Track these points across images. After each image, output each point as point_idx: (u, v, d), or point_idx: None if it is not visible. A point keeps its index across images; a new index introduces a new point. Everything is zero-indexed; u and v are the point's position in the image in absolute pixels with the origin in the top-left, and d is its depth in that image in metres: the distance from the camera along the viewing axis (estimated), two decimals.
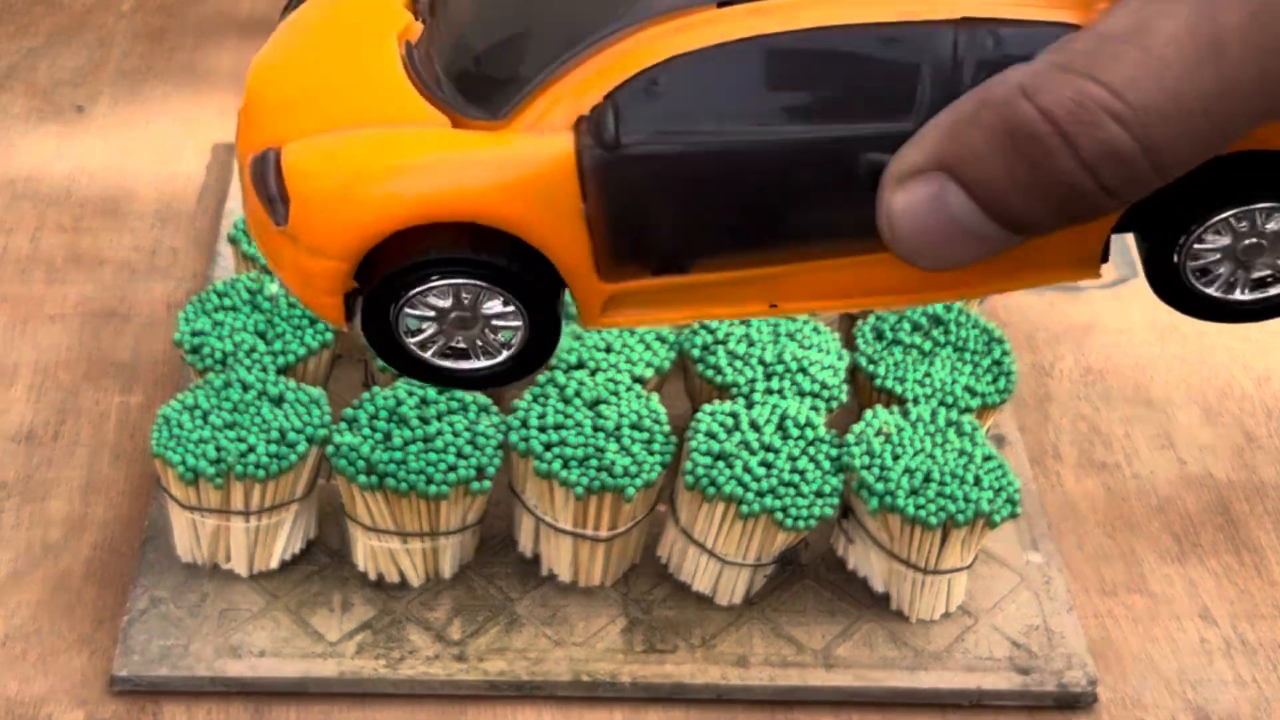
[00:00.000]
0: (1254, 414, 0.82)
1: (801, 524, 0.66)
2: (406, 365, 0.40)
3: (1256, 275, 0.37)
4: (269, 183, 0.37)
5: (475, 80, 0.37)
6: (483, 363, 0.39)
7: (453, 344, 0.39)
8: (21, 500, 0.74)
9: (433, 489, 0.66)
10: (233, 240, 0.78)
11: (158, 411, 0.68)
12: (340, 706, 0.66)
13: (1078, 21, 0.33)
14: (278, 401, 0.68)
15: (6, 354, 0.82)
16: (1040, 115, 0.29)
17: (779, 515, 0.65)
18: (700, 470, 0.66)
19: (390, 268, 0.37)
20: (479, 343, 0.38)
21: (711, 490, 0.66)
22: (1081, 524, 0.76)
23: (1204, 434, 0.81)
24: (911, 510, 0.66)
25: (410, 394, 0.68)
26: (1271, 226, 0.36)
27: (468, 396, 0.69)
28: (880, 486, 0.66)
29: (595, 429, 0.68)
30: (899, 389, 0.72)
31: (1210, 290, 0.37)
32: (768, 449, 0.67)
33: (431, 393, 0.68)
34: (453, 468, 0.66)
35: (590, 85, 0.35)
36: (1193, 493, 0.78)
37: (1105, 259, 0.37)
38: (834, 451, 0.68)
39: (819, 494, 0.66)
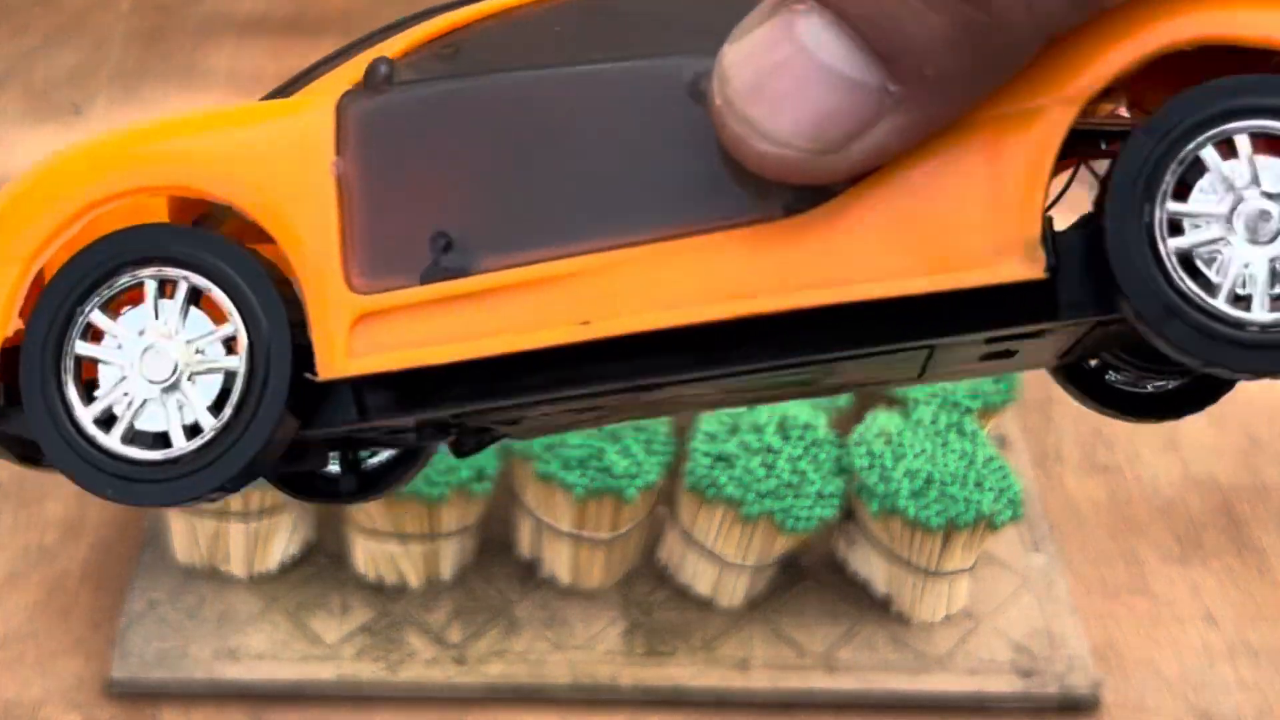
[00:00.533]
0: (1258, 417, 0.82)
1: (802, 526, 0.66)
2: (67, 462, 0.27)
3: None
4: None
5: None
6: (185, 448, 0.27)
7: (143, 419, 0.27)
8: (18, 503, 0.74)
9: (433, 491, 0.65)
10: None
11: None
12: (338, 710, 0.66)
13: None
14: None
15: None
16: None
17: (779, 517, 0.65)
18: (701, 471, 0.66)
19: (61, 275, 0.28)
20: (184, 410, 0.27)
21: (712, 491, 0.66)
22: (1084, 526, 0.76)
23: (1208, 436, 0.81)
24: (913, 512, 0.65)
25: None
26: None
27: None
28: (882, 489, 0.66)
29: (595, 430, 0.67)
30: (901, 391, 0.72)
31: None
32: (768, 450, 0.67)
33: None
34: (452, 469, 0.66)
35: (358, 68, 0.29)
36: (1196, 495, 0.78)
37: (1052, 254, 0.26)
38: (835, 453, 0.67)
39: (820, 496, 0.66)
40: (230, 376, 0.26)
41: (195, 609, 0.68)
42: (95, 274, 0.27)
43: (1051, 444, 0.80)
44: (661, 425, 0.68)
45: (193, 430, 0.26)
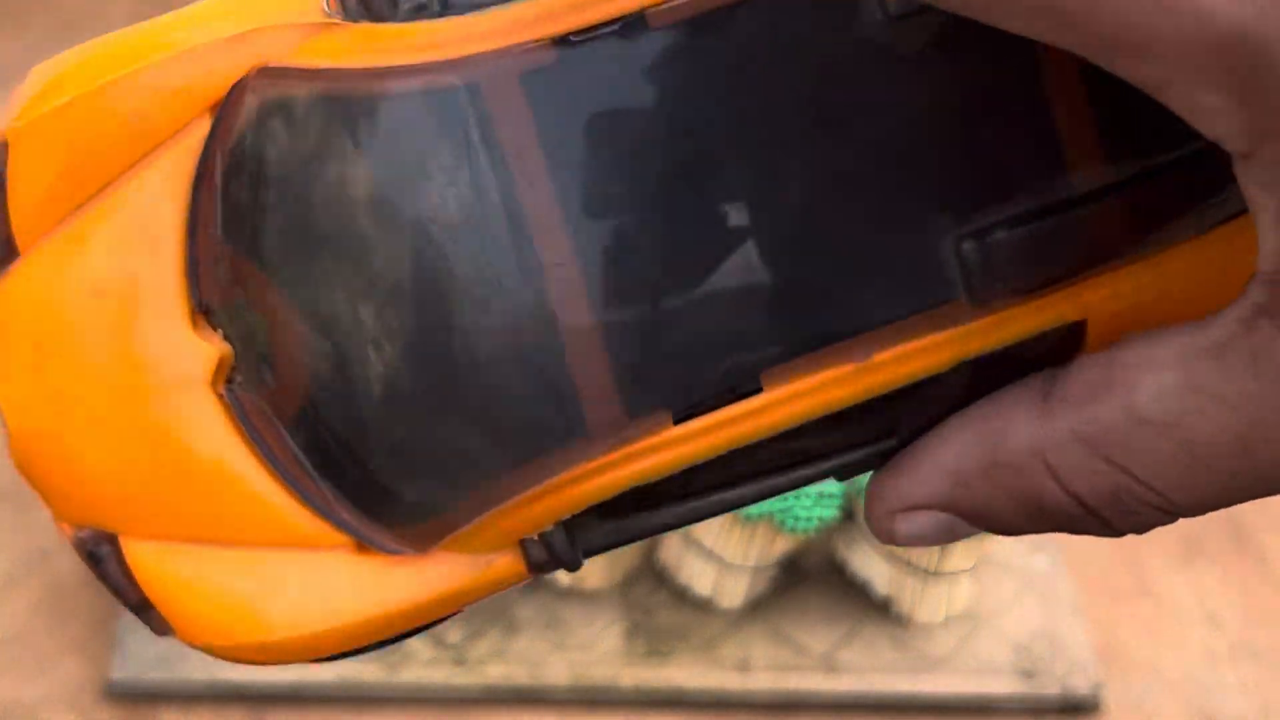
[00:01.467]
0: None
1: (802, 527, 0.66)
2: None
3: None
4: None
5: None
6: None
7: None
8: (17, 506, 0.74)
9: None
10: None
11: None
12: (338, 711, 0.66)
13: None
14: None
15: None
16: (1072, 499, 0.27)
17: (780, 518, 0.65)
18: None
19: None
20: None
21: None
22: None
23: None
24: None
25: None
26: None
27: None
28: None
29: None
30: None
31: None
32: None
33: None
34: None
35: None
36: None
37: None
38: None
39: (820, 496, 0.66)
40: None
41: None
42: None
43: None
44: None
45: None
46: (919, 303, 0.25)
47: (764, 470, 0.27)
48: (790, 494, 0.66)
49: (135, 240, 0.26)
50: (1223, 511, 0.77)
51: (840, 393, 0.25)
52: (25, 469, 0.27)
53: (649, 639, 0.68)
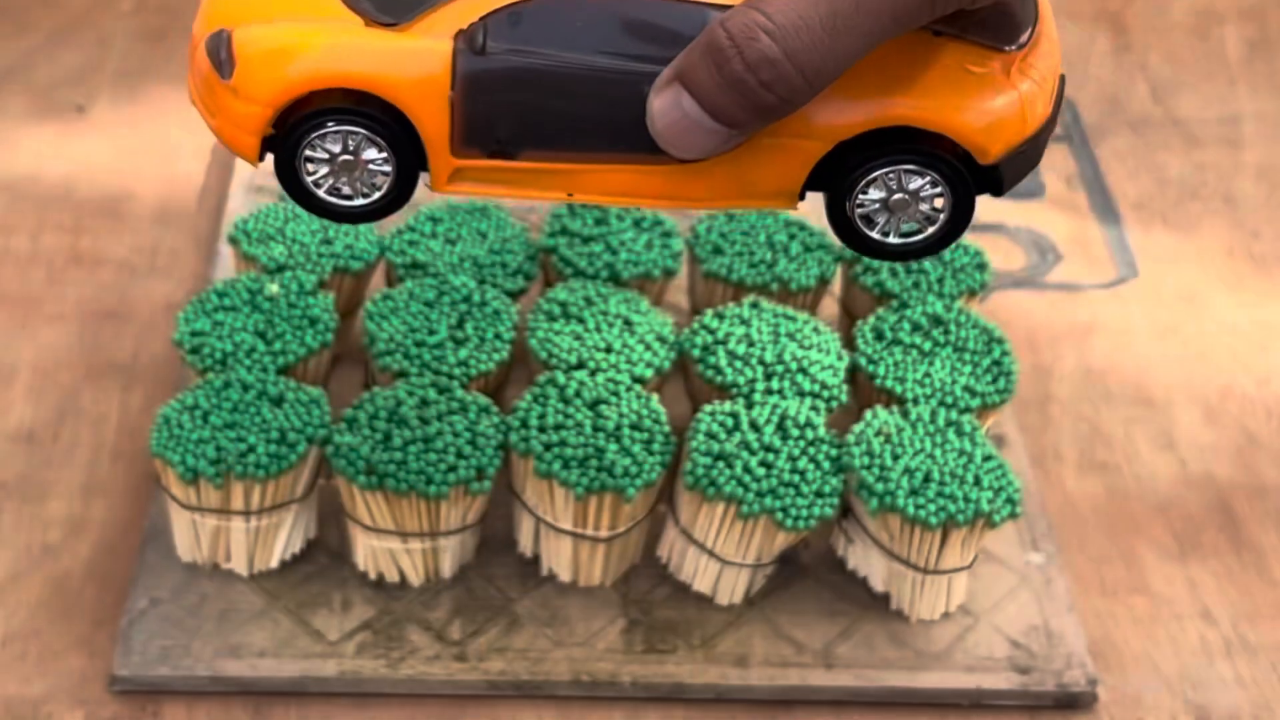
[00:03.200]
0: (1255, 414, 0.82)
1: (801, 524, 0.66)
2: (304, 199, 0.52)
3: (904, 223, 0.51)
4: (220, 50, 0.51)
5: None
6: (360, 202, 0.52)
7: (339, 185, 0.52)
8: (21, 501, 0.74)
9: (432, 489, 0.66)
10: (233, 241, 0.78)
11: (158, 412, 0.68)
12: (340, 706, 0.66)
13: None
14: (277, 402, 0.69)
15: (6, 354, 0.82)
16: (724, 34, 0.45)
17: (779, 515, 0.66)
18: (700, 470, 0.66)
19: (301, 114, 0.51)
20: (359, 185, 0.52)
21: (711, 491, 0.66)
22: (1082, 524, 0.76)
23: (1205, 434, 0.81)
24: (911, 510, 0.66)
25: (410, 394, 0.68)
26: (912, 185, 0.50)
27: (468, 397, 0.69)
28: (880, 487, 0.66)
29: (595, 429, 0.68)
30: (899, 389, 0.72)
31: (873, 234, 0.52)
32: (768, 449, 0.67)
33: (431, 393, 0.69)
34: (452, 468, 0.66)
35: (471, 10, 0.50)
36: (1194, 493, 0.78)
37: (803, 198, 0.52)
38: (834, 452, 0.68)
39: (819, 494, 0.66)
40: (385, 178, 0.52)
41: (197, 607, 0.68)
42: (323, 119, 0.51)
43: (1049, 442, 0.80)
44: (661, 426, 0.68)
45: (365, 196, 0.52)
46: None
47: None
48: (789, 492, 0.66)
49: None
50: (1218, 508, 0.77)
51: None
52: (210, 12, 0.54)
53: (648, 635, 0.68)
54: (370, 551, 0.69)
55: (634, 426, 0.68)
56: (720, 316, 0.73)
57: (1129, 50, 1.09)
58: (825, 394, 0.71)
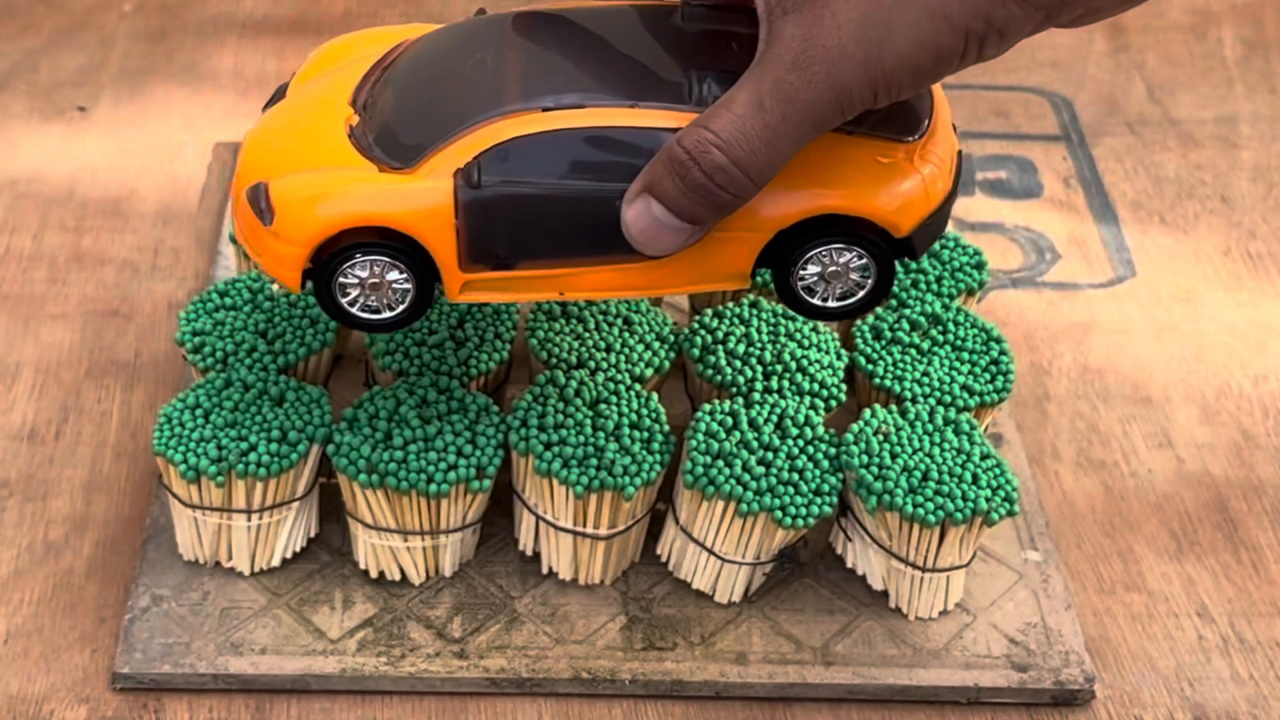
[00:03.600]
0: (1252, 413, 0.83)
1: (800, 522, 0.66)
2: (340, 316, 0.61)
3: (840, 290, 0.61)
4: (260, 200, 0.59)
5: (395, 146, 0.60)
6: (387, 315, 0.61)
7: (369, 303, 0.61)
8: (23, 499, 0.75)
9: (433, 488, 0.66)
10: (234, 240, 0.78)
11: (159, 410, 0.68)
12: (341, 703, 0.67)
13: None
14: (279, 401, 0.69)
15: (9, 353, 0.82)
16: (682, 150, 0.55)
17: (778, 514, 0.66)
18: (700, 469, 0.66)
19: (335, 250, 0.59)
20: (385, 301, 0.61)
21: (711, 489, 0.66)
22: (1080, 522, 0.76)
23: (1202, 433, 0.81)
24: (910, 509, 0.66)
25: (410, 394, 0.69)
26: (842, 259, 0.60)
27: (468, 397, 0.69)
28: (878, 485, 0.66)
29: (595, 428, 0.68)
30: (897, 388, 0.72)
31: (814, 301, 0.61)
32: (767, 448, 0.67)
33: (432, 393, 0.69)
34: (453, 467, 0.66)
35: (465, 151, 0.58)
36: (1191, 491, 0.78)
37: (754, 277, 0.61)
38: (832, 450, 0.68)
39: (817, 493, 0.67)
40: (407, 294, 0.61)
41: (199, 604, 0.69)
42: (353, 252, 0.59)
43: (1047, 441, 0.80)
44: (661, 425, 0.69)
45: (391, 309, 0.61)
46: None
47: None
48: (788, 490, 0.66)
49: (342, 83, 0.63)
50: (1215, 506, 0.77)
51: None
52: (246, 167, 0.61)
53: (648, 632, 0.69)
54: (371, 549, 0.69)
55: (634, 426, 0.68)
56: (719, 316, 0.74)
57: (1126, 50, 1.09)
58: (824, 393, 0.71)
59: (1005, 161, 0.99)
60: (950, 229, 0.83)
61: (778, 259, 0.60)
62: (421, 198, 0.58)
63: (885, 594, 0.70)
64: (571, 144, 0.58)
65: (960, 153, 0.62)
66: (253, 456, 0.66)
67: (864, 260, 0.60)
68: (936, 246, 0.78)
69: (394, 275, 0.60)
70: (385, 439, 0.67)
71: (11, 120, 0.98)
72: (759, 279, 0.65)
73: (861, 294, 0.61)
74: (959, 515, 0.66)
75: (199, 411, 0.68)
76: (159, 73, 1.03)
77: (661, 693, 0.67)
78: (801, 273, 0.60)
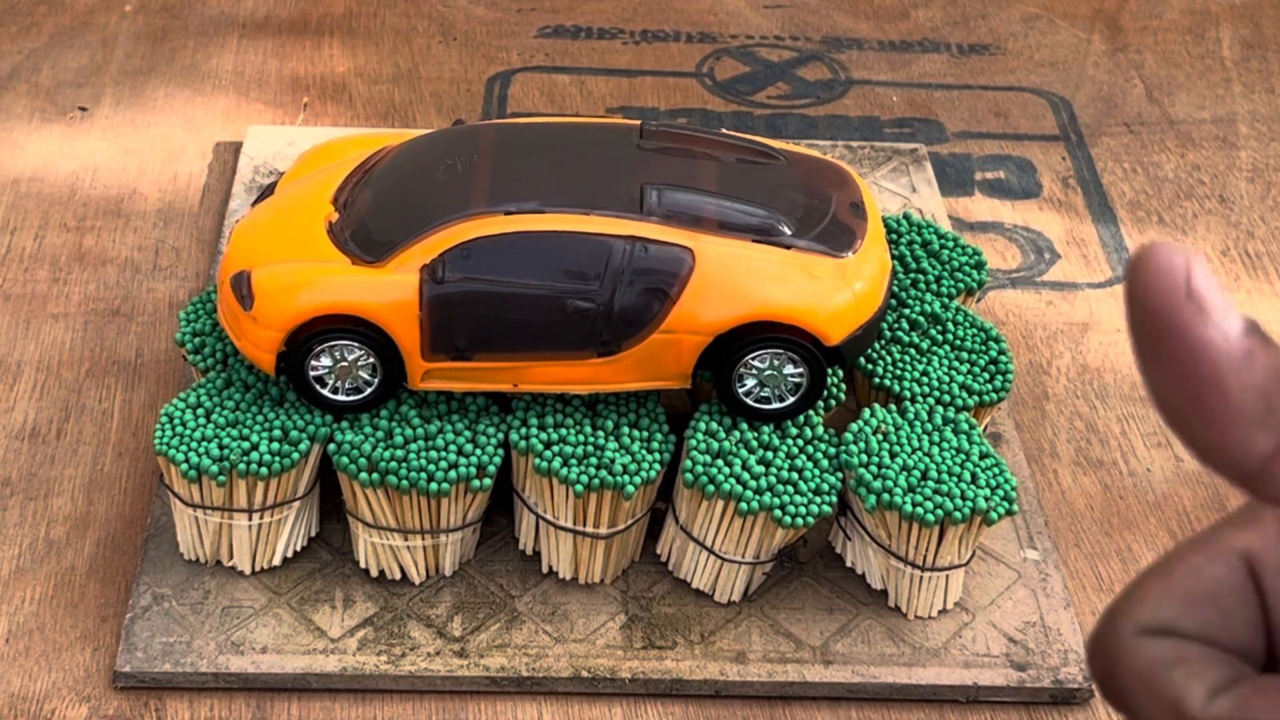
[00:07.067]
0: None
1: (800, 521, 0.66)
2: (310, 397, 0.67)
3: (775, 393, 0.66)
4: (242, 287, 0.65)
5: (368, 241, 0.65)
6: (355, 397, 0.66)
7: (338, 385, 0.66)
8: (25, 498, 0.75)
9: (434, 487, 0.66)
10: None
11: (161, 410, 0.69)
12: (342, 702, 0.67)
13: (692, 246, 0.64)
14: (279, 400, 0.69)
15: (10, 352, 0.82)
16: None
17: (777, 513, 0.66)
18: (699, 468, 0.67)
19: (307, 335, 0.64)
20: (353, 384, 0.66)
21: (710, 488, 0.66)
22: (1078, 521, 0.76)
23: None
24: (909, 508, 0.66)
25: (410, 393, 0.69)
26: (776, 364, 0.65)
27: (468, 397, 0.69)
28: (878, 484, 0.67)
29: (595, 428, 0.68)
30: (896, 387, 0.72)
31: (750, 401, 0.67)
32: (766, 447, 0.68)
33: (431, 394, 0.69)
34: (453, 466, 0.67)
35: (431, 249, 0.63)
36: (1189, 490, 0.79)
37: (695, 378, 0.67)
38: (832, 449, 0.68)
39: (817, 492, 0.67)
40: (373, 379, 0.66)
41: (200, 603, 0.69)
42: (324, 337, 0.65)
43: (1046, 440, 0.80)
44: (660, 424, 0.69)
45: (358, 392, 0.67)
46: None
47: None
48: (787, 489, 0.66)
49: (325, 182, 0.69)
50: (1213, 504, 0.78)
51: None
52: (232, 255, 0.68)
53: (648, 631, 0.69)
54: (372, 548, 0.69)
55: (633, 425, 0.68)
56: None
57: (1125, 51, 1.10)
58: (823, 392, 0.71)
59: (1004, 161, 1.00)
60: (950, 229, 0.83)
61: (718, 362, 0.65)
62: (389, 290, 0.63)
63: (884, 593, 0.70)
64: (529, 246, 0.63)
65: (894, 268, 0.67)
66: (254, 456, 0.66)
67: (798, 365, 0.65)
68: (936, 246, 0.78)
69: (361, 360, 0.65)
70: (386, 438, 0.67)
71: (13, 120, 0.98)
72: (701, 377, 0.67)
73: (795, 397, 0.66)
74: (958, 514, 0.66)
75: (200, 411, 0.68)
76: (160, 73, 1.03)
77: (661, 691, 0.67)
78: (740, 372, 0.65)
